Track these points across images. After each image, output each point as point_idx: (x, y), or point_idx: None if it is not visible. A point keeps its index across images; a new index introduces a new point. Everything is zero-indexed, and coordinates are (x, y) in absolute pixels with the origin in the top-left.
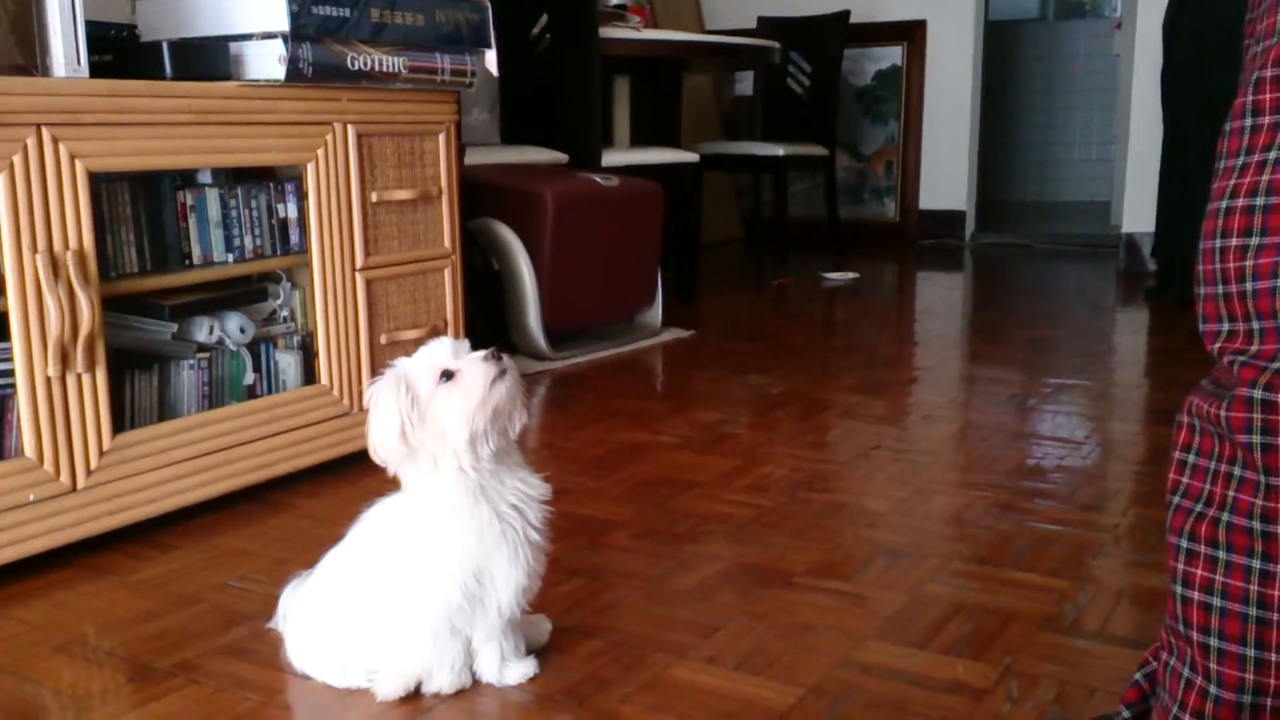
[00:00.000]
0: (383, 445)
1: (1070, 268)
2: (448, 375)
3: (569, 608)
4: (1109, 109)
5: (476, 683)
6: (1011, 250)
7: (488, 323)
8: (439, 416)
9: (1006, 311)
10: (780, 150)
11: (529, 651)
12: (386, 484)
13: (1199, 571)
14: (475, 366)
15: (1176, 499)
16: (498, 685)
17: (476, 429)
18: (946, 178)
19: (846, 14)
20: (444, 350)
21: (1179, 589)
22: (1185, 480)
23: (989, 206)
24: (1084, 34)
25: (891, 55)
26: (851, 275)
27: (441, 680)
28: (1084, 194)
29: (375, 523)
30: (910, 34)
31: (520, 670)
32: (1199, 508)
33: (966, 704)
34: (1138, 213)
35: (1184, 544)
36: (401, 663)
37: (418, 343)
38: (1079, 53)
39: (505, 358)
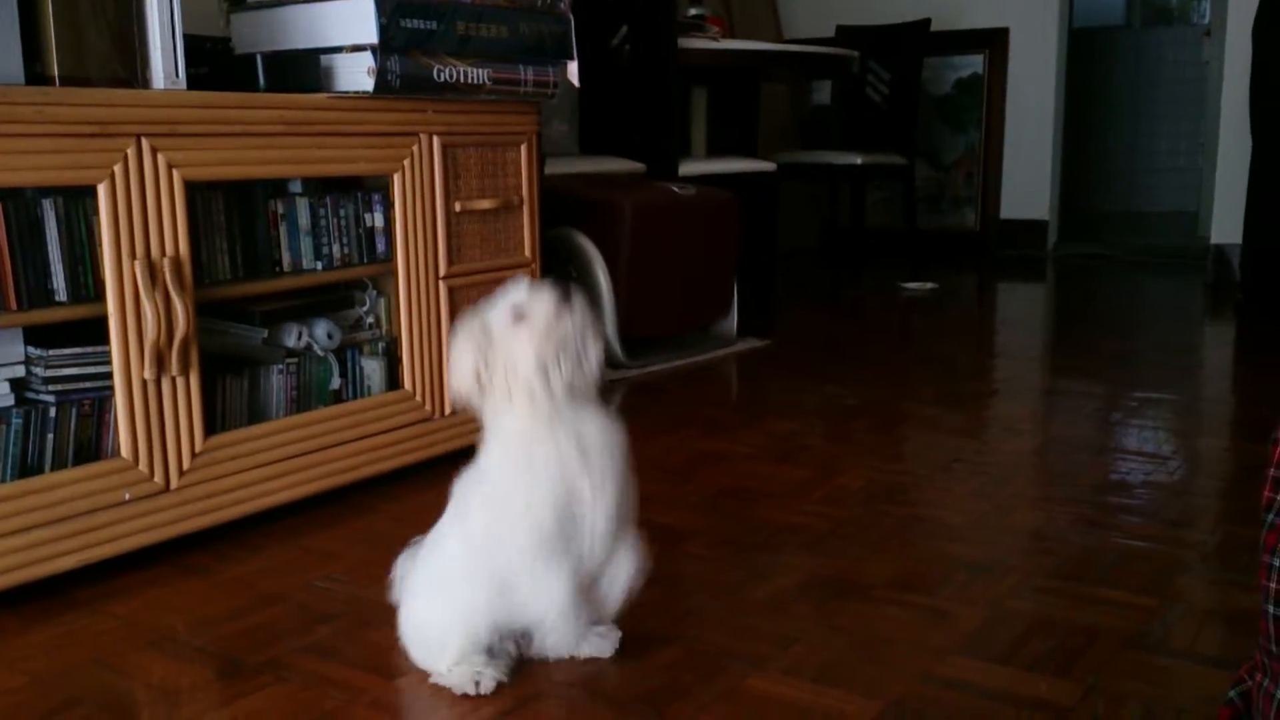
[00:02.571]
0: (459, 383)
1: (1156, 279)
2: (520, 314)
3: (646, 615)
4: (1197, 117)
5: (547, 675)
6: (1096, 261)
7: None
8: (511, 353)
9: (1090, 323)
10: (858, 159)
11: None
12: None
13: None
14: (542, 301)
15: (1271, 517)
16: (571, 655)
17: (545, 359)
18: (1028, 187)
19: (927, 22)
20: (519, 291)
21: (1272, 608)
22: (1279, 498)
23: (1073, 216)
24: (1171, 41)
25: (973, 64)
26: (930, 285)
27: (546, 610)
28: (1171, 204)
29: (465, 476)
30: (992, 42)
31: (597, 644)
32: None
33: None
34: (1226, 224)
35: (1277, 562)
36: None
37: None
38: (1166, 60)
39: (574, 290)
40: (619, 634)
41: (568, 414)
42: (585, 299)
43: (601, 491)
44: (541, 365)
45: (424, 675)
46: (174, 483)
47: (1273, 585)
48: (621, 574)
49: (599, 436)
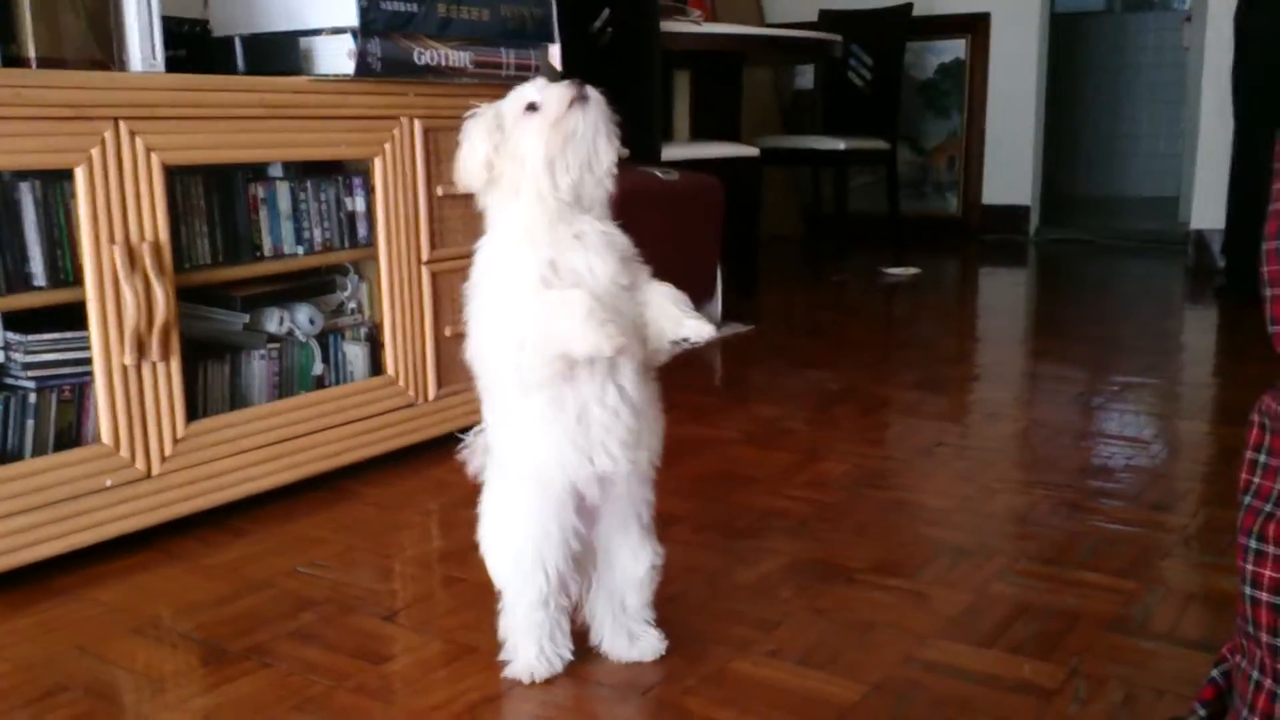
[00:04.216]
0: (468, 170)
1: (1137, 264)
2: (533, 107)
3: None
4: (1177, 103)
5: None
6: (1077, 246)
7: None
8: (520, 143)
9: (1071, 308)
10: (841, 144)
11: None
12: (451, 474)
13: (1268, 572)
14: (554, 93)
15: (1248, 499)
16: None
17: (552, 152)
18: (1010, 172)
19: (909, 6)
20: (533, 85)
21: (1248, 590)
22: (1257, 480)
23: (1054, 201)
24: (1152, 26)
25: (954, 48)
26: (913, 271)
27: (571, 321)
28: (1151, 189)
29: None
30: (974, 27)
31: (638, 646)
32: (1270, 508)
33: (1033, 705)
34: (1207, 209)
35: (1254, 544)
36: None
37: None
38: (1147, 45)
39: (590, 89)
40: (659, 635)
41: (570, 216)
42: (606, 101)
43: (599, 263)
44: (549, 158)
45: (408, 660)
46: (156, 469)
47: (1249, 567)
48: (639, 567)
49: (597, 232)
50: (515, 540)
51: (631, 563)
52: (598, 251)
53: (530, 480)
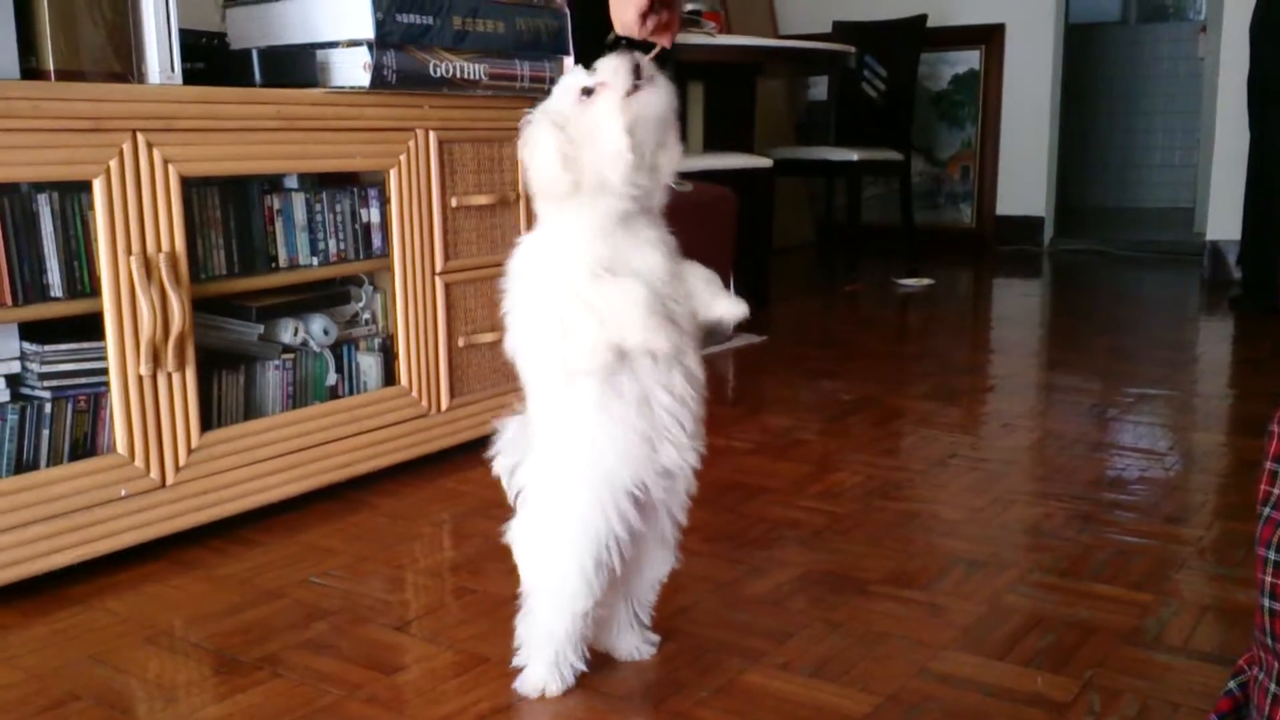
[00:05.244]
0: (547, 173)
1: (1152, 275)
2: (588, 92)
3: None
4: (1193, 113)
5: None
6: (1092, 257)
7: None
8: (583, 133)
9: (1086, 319)
10: (854, 155)
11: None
12: (463, 484)
13: None
14: (612, 66)
15: (1267, 510)
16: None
17: (630, 124)
18: (1025, 183)
19: (923, 18)
20: (575, 73)
21: (1267, 602)
22: (1276, 492)
23: (1069, 212)
24: (1167, 37)
25: (969, 59)
26: (926, 282)
27: (626, 311)
28: (1166, 200)
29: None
30: (988, 38)
31: (638, 646)
32: None
33: (1047, 717)
34: (1222, 220)
35: (1273, 556)
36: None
37: (494, 346)
38: (1162, 55)
39: (653, 68)
40: (656, 639)
41: (631, 221)
42: (668, 83)
43: (655, 259)
44: (630, 131)
45: (419, 670)
46: (170, 479)
47: (1268, 579)
48: (663, 569)
49: (654, 236)
50: (560, 540)
51: (660, 566)
52: (653, 246)
53: (587, 474)
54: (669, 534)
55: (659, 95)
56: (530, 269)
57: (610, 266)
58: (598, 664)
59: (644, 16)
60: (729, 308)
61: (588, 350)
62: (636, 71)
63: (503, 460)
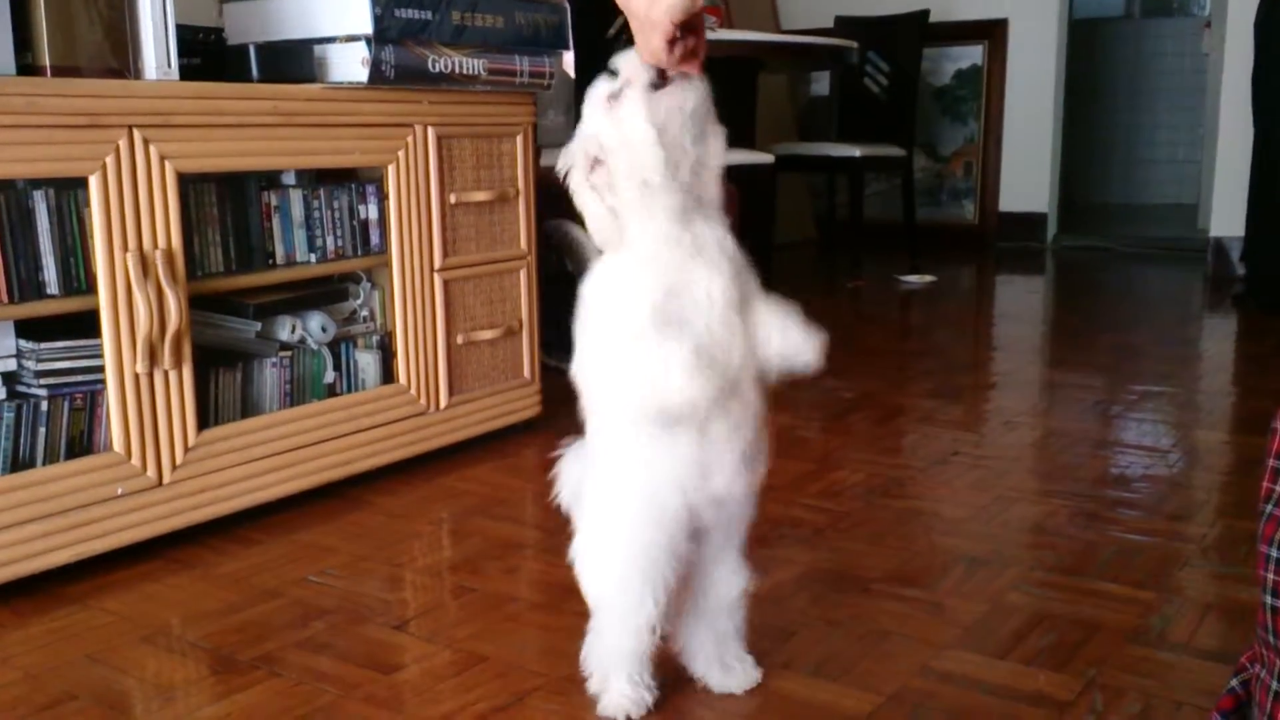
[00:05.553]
0: (605, 241)
1: (1155, 272)
2: (615, 97)
3: None
4: (1196, 109)
5: (542, 669)
6: (1094, 253)
7: (560, 324)
8: (619, 128)
9: (1089, 316)
10: (856, 151)
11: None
12: (462, 483)
13: None
14: (632, 62)
15: (1269, 507)
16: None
17: (658, 120)
18: (1027, 179)
19: (926, 13)
20: (602, 83)
21: (1269, 599)
22: (1278, 489)
23: (1071, 208)
24: (1171, 32)
25: (972, 54)
26: (929, 278)
27: (668, 369)
28: (1170, 196)
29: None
30: (991, 33)
31: (731, 678)
32: None
33: (1050, 716)
34: (1226, 216)
35: (1275, 553)
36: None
37: (493, 344)
38: (1166, 51)
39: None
40: (753, 663)
41: (689, 218)
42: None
43: (718, 286)
44: (660, 128)
45: (418, 670)
46: (167, 477)
47: (1270, 576)
48: (733, 590)
49: (715, 242)
50: (621, 562)
51: (726, 587)
52: (717, 268)
53: (641, 499)
54: (733, 554)
55: (689, 88)
56: (598, 301)
57: (672, 289)
58: None
59: (671, 44)
60: (803, 347)
61: (638, 414)
62: (661, 71)
63: (564, 492)
